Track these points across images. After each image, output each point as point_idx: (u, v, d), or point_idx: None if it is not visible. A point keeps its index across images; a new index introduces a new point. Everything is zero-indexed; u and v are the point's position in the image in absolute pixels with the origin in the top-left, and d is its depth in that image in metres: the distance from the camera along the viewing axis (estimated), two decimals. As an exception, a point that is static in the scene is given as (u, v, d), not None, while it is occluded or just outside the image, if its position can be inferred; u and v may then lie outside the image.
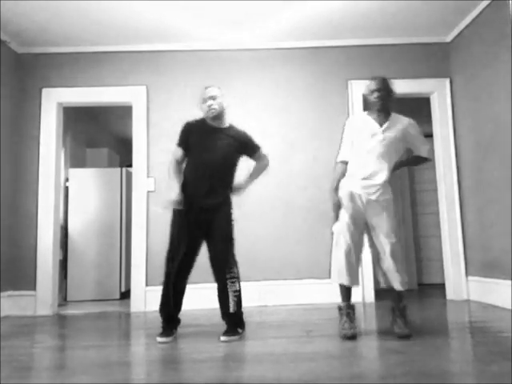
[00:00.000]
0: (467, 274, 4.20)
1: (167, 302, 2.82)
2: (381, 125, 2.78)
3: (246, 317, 3.50)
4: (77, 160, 5.87)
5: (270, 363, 2.18)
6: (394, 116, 2.82)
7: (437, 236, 5.43)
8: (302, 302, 4.15)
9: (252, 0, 3.69)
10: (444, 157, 4.34)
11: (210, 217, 2.80)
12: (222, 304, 2.80)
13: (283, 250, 4.23)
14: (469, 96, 4.12)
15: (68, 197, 5.32)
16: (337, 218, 2.84)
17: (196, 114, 4.58)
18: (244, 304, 3.57)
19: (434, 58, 4.47)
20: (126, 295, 5.33)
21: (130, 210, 5.46)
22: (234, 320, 2.79)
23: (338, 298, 3.05)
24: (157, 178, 4.28)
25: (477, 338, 2.55)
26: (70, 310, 4.35)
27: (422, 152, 2.86)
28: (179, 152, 2.89)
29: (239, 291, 2.80)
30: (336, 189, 2.84)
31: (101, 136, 7.03)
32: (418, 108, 5.16)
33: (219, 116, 2.90)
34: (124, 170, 5.47)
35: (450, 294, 4.21)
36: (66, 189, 5.39)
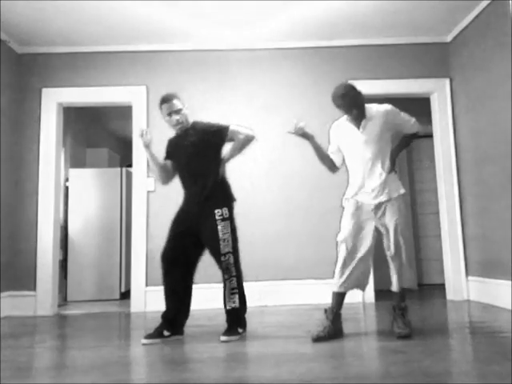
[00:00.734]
0: (467, 274, 4.21)
1: (166, 301, 2.85)
2: (358, 127, 2.78)
3: (246, 317, 3.50)
4: (77, 160, 5.87)
5: (270, 363, 2.18)
6: (369, 111, 2.78)
7: (437, 236, 5.44)
8: (302, 302, 4.16)
9: (252, 0, 3.69)
10: (444, 157, 4.35)
11: (201, 221, 2.83)
12: (223, 301, 2.84)
13: (283, 250, 4.24)
14: (469, 96, 4.12)
15: (68, 197, 5.32)
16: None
17: (196, 114, 4.57)
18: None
19: (433, 58, 4.47)
20: (126, 295, 5.33)
21: (130, 210, 5.46)
22: (230, 317, 2.80)
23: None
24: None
25: (477, 338, 2.54)
26: (70, 311, 4.35)
27: (409, 130, 2.88)
28: (168, 163, 3.06)
29: (236, 289, 2.80)
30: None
31: (101, 136, 7.03)
32: (418, 108, 5.17)
33: (185, 125, 2.98)
34: (124, 169, 5.47)
35: (450, 294, 4.21)
36: (66, 189, 5.39)
